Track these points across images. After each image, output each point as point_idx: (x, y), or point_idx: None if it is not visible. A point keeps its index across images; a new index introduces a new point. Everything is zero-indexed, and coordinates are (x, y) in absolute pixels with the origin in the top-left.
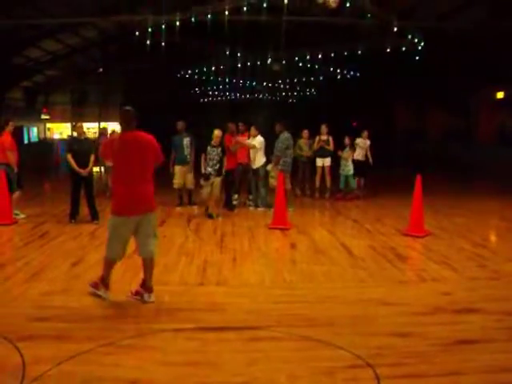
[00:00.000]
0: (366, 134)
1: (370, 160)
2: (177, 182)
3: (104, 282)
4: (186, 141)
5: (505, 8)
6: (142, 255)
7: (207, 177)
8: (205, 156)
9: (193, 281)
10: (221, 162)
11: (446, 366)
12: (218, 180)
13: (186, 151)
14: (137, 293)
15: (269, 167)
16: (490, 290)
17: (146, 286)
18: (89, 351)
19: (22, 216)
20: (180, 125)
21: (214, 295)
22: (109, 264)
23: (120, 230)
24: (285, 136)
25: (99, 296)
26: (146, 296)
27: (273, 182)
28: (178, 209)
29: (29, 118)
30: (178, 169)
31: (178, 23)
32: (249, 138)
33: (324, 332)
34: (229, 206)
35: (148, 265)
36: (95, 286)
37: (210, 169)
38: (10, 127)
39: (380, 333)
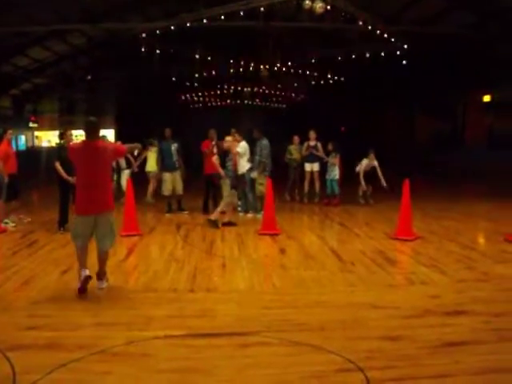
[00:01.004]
0: (372, 155)
1: (383, 182)
2: (168, 188)
3: (83, 264)
4: (174, 147)
5: (491, 11)
6: (100, 248)
7: (234, 185)
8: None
9: (183, 287)
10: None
11: (435, 369)
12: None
13: (174, 157)
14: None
15: (254, 174)
16: (479, 291)
17: (101, 274)
18: (80, 359)
19: (12, 224)
20: (167, 132)
21: (204, 301)
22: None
23: (80, 227)
24: (266, 142)
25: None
26: (99, 283)
27: (262, 188)
28: (168, 215)
29: (17, 126)
30: (167, 176)
31: (165, 31)
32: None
33: (314, 336)
34: (205, 210)
35: (102, 256)
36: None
37: (231, 175)
38: (8, 135)
39: (370, 336)
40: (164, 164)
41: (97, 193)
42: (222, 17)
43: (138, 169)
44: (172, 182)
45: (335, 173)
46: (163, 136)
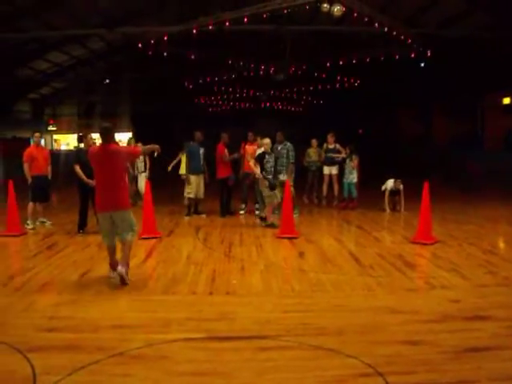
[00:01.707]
0: (399, 181)
1: (402, 208)
2: (193, 191)
3: (111, 265)
4: (202, 151)
5: (510, 13)
6: (120, 240)
7: (274, 186)
8: (259, 164)
9: (202, 290)
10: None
11: (456, 374)
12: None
13: (202, 161)
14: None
15: (284, 177)
16: (500, 296)
17: (123, 262)
18: (99, 361)
19: (30, 226)
20: (198, 135)
21: (223, 305)
22: (108, 251)
23: (102, 224)
24: (291, 145)
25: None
26: (120, 269)
27: (292, 190)
28: (187, 218)
29: (36, 129)
30: (193, 178)
31: (182, 34)
32: (258, 147)
33: (333, 341)
34: (222, 213)
35: (123, 247)
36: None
37: (270, 176)
38: (35, 138)
39: (390, 341)
40: (191, 166)
41: (112, 193)
42: (245, 19)
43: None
44: (197, 185)
45: (353, 176)
46: (192, 139)
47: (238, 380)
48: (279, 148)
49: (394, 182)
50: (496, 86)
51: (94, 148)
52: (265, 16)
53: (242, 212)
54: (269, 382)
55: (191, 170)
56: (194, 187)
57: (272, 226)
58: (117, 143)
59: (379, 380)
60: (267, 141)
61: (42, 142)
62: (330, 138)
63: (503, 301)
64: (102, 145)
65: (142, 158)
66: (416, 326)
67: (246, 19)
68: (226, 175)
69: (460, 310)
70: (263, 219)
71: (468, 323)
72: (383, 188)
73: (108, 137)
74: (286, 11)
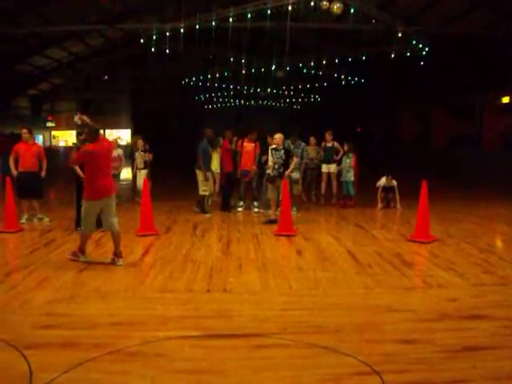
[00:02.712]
0: (390, 177)
1: (398, 204)
2: (208, 188)
3: (81, 250)
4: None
5: (510, 12)
6: (106, 229)
7: (273, 179)
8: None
9: (199, 288)
10: (284, 164)
11: (453, 373)
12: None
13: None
14: (112, 259)
15: (296, 175)
16: (497, 296)
17: (116, 252)
18: (95, 359)
19: (22, 220)
20: (208, 132)
21: (221, 302)
22: (85, 237)
23: (90, 212)
24: (305, 144)
25: (80, 260)
26: (116, 260)
27: (300, 187)
28: (208, 216)
29: (34, 125)
30: (210, 175)
31: (182, 30)
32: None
33: (330, 339)
34: (225, 207)
35: (113, 236)
36: (75, 255)
37: (275, 172)
38: (22, 134)
39: (387, 339)
40: (206, 164)
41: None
42: (249, 15)
43: None
44: (210, 182)
45: (350, 174)
46: (202, 136)
47: (234, 378)
48: (293, 148)
49: (386, 178)
50: (496, 86)
51: (92, 146)
52: (258, 14)
53: (240, 209)
54: (265, 379)
55: (206, 167)
56: (210, 185)
57: (272, 221)
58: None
59: (376, 378)
60: (278, 135)
61: (40, 138)
62: (328, 135)
63: (500, 300)
64: (96, 142)
65: (141, 153)
66: (413, 325)
67: (247, 16)
68: (230, 170)
69: (457, 309)
70: (272, 221)
71: (465, 322)
72: (377, 184)
73: (96, 136)
74: (289, 7)
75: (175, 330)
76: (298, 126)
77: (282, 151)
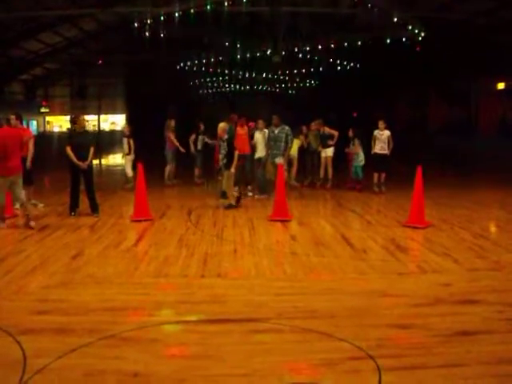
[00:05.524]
0: (382, 124)
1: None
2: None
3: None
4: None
5: None
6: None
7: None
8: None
9: (193, 273)
10: (228, 155)
11: (446, 358)
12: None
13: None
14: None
15: (280, 160)
16: (491, 280)
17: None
18: (90, 344)
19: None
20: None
21: (215, 287)
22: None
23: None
24: (289, 128)
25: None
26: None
27: (287, 174)
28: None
29: (28, 111)
30: None
31: (176, 14)
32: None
33: (325, 324)
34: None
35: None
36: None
37: (221, 163)
38: (11, 120)
39: (381, 324)
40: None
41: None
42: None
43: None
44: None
45: (360, 159)
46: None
47: (229, 363)
48: (276, 131)
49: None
50: (491, 72)
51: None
52: None
53: (250, 194)
54: (260, 364)
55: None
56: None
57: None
58: None
59: (370, 363)
60: (222, 125)
61: (34, 124)
62: (316, 125)
63: (494, 285)
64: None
65: (125, 139)
66: (407, 310)
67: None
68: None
69: (451, 294)
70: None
71: (459, 307)
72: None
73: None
74: None
75: (170, 315)
76: (334, 113)
77: (225, 143)
